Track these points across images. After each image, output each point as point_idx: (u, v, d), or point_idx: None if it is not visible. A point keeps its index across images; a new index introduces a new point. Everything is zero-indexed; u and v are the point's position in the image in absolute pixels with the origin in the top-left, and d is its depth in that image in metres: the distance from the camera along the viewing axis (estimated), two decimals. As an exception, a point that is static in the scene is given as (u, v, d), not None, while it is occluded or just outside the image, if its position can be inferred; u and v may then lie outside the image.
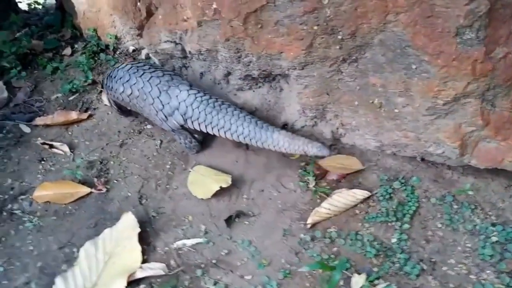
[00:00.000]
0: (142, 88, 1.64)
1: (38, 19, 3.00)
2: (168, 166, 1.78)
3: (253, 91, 1.80)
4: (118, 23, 2.39)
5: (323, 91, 1.49)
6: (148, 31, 1.90)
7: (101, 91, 2.21)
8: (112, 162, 1.83)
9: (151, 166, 1.79)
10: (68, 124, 2.06)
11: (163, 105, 1.61)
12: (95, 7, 2.47)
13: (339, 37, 1.37)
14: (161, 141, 1.89)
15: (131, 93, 1.68)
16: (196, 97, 1.59)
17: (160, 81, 1.62)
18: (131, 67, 1.74)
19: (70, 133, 2.03)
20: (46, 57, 2.56)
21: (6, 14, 2.88)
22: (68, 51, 2.61)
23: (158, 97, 1.61)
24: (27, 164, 1.88)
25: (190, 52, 1.76)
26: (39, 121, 2.09)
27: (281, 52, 1.48)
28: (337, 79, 1.48)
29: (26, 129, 2.07)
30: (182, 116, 1.60)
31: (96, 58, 2.49)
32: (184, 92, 1.60)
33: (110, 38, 2.47)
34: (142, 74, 1.66)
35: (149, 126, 1.97)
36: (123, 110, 1.98)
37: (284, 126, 1.74)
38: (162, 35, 1.77)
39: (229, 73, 1.76)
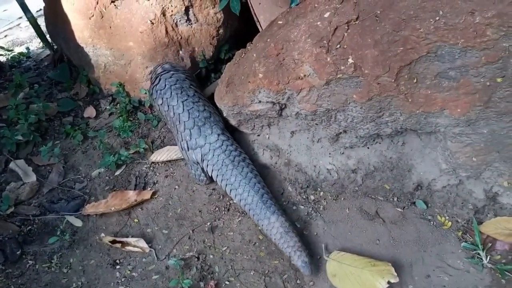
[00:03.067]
0: (180, 114, 1.64)
1: (37, 75, 2.54)
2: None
3: (368, 147, 1.54)
4: (156, 75, 2.02)
5: (493, 149, 1.26)
6: (228, 89, 1.57)
7: (152, 163, 1.84)
8: (211, 256, 1.47)
9: (265, 256, 1.45)
10: (128, 208, 1.67)
11: (190, 138, 1.61)
12: (124, 60, 2.09)
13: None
14: (260, 219, 1.56)
15: (167, 110, 1.69)
16: (222, 144, 1.58)
17: (198, 115, 1.62)
18: (175, 83, 1.70)
19: (135, 220, 1.63)
20: (66, 122, 2.13)
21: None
22: (91, 112, 2.19)
23: (190, 129, 1.61)
24: (97, 272, 1.47)
25: (297, 113, 1.46)
26: (89, 208, 1.68)
27: (444, 109, 1.23)
28: (515, 135, 1.24)
29: (76, 222, 1.65)
30: (201, 155, 1.59)
31: (132, 119, 2.11)
32: (214, 136, 1.59)
33: (146, 93, 2.10)
34: (185, 100, 1.65)
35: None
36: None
37: (418, 188, 1.49)
38: (260, 95, 1.46)
39: (344, 132, 1.48)
